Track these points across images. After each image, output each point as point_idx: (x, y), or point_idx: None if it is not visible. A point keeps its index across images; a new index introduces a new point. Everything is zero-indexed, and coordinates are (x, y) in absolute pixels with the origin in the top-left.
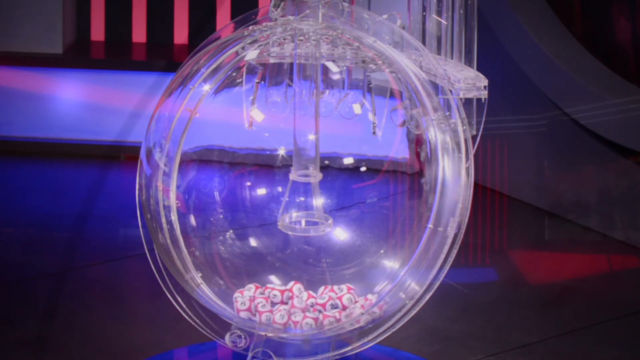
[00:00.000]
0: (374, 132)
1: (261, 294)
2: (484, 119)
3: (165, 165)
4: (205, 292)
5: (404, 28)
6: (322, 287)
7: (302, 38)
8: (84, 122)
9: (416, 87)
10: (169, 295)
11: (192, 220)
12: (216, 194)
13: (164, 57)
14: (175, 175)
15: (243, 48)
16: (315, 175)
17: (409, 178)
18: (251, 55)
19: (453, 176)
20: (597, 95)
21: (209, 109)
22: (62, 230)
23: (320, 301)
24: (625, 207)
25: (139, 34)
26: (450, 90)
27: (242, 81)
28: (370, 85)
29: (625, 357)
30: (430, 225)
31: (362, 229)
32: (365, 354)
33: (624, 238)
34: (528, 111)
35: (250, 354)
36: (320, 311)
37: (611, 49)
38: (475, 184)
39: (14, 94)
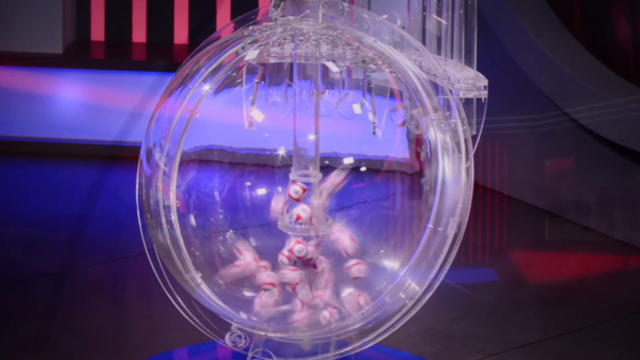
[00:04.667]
0: (374, 132)
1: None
2: (484, 119)
3: (165, 165)
4: (205, 292)
5: (404, 28)
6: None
7: (302, 38)
8: (84, 122)
9: (416, 87)
10: (169, 295)
11: (192, 220)
12: (216, 194)
13: (164, 57)
14: (175, 175)
15: (243, 48)
16: (315, 175)
17: (409, 178)
18: (251, 55)
19: (453, 176)
20: (597, 95)
21: (209, 109)
22: (62, 230)
23: None
24: (625, 207)
25: (139, 34)
26: (450, 90)
27: (242, 81)
28: (370, 85)
29: (625, 357)
30: (430, 225)
31: (362, 229)
32: (365, 354)
33: (624, 238)
34: (528, 111)
35: (250, 354)
36: None
37: (611, 49)
38: (475, 184)
39: (14, 94)
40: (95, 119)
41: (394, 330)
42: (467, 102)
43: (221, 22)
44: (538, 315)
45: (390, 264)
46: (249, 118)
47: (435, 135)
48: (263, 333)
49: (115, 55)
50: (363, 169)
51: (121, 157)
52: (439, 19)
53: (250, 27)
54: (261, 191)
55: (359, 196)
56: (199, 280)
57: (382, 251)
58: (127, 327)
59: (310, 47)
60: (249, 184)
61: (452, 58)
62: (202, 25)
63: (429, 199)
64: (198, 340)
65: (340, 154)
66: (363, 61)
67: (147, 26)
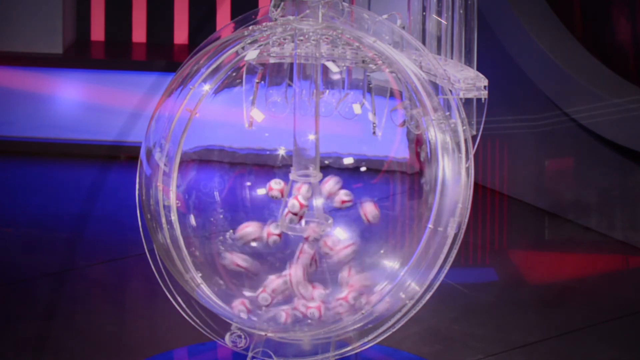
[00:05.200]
0: (374, 132)
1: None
2: (484, 119)
3: (165, 165)
4: (205, 292)
5: (404, 28)
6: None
7: (302, 38)
8: (84, 122)
9: (416, 87)
10: (169, 295)
11: (192, 220)
12: (216, 194)
13: (164, 57)
14: (175, 175)
15: (243, 48)
16: (315, 175)
17: (409, 178)
18: (251, 55)
19: (453, 176)
20: (597, 95)
21: (209, 109)
22: (62, 230)
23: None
24: (625, 207)
25: (139, 34)
26: (450, 90)
27: (242, 81)
28: (370, 85)
29: (625, 357)
30: (430, 225)
31: (362, 229)
32: (365, 354)
33: (624, 238)
34: (528, 111)
35: (250, 354)
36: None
37: (611, 49)
38: (475, 184)
39: (14, 94)
40: (95, 119)
41: (394, 330)
42: (467, 102)
43: (221, 22)
44: (538, 315)
45: (390, 264)
46: (249, 118)
47: (435, 135)
48: (263, 333)
49: (115, 55)
50: (363, 169)
51: (121, 157)
52: (439, 19)
53: (250, 27)
54: (261, 191)
55: (359, 196)
56: (199, 280)
57: (382, 251)
58: (127, 327)
59: (310, 47)
60: (249, 184)
61: (452, 58)
62: (202, 25)
63: (429, 199)
64: (198, 340)
65: (340, 154)
66: (363, 61)
67: (147, 26)
